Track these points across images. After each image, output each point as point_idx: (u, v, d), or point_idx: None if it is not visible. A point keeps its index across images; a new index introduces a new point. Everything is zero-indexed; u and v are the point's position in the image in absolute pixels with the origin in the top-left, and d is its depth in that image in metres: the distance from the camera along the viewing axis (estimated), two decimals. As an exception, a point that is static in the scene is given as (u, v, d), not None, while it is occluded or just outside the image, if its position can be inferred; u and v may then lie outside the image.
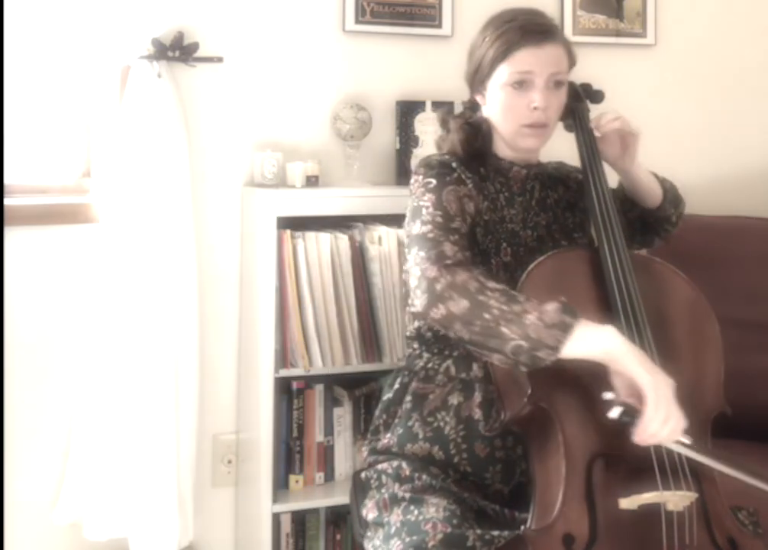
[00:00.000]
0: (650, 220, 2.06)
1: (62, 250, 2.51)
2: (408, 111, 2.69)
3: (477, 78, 1.94)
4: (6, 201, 2.43)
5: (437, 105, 2.66)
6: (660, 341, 1.75)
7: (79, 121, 2.58)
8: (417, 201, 1.86)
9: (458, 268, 1.70)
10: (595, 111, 2.09)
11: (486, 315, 1.62)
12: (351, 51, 2.72)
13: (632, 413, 1.61)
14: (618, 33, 2.98)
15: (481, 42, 1.93)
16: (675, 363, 1.73)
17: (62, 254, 2.51)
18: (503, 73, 1.88)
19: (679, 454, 1.64)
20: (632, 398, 1.62)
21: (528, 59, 1.86)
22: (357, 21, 2.70)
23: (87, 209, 2.51)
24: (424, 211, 1.83)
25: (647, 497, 1.60)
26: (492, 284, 1.66)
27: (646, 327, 1.73)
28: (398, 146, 2.71)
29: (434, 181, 1.87)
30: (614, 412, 1.62)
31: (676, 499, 1.61)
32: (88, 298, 2.47)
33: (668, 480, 1.62)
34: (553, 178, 2.03)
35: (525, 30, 1.87)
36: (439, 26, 2.77)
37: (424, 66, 2.76)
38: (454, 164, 1.91)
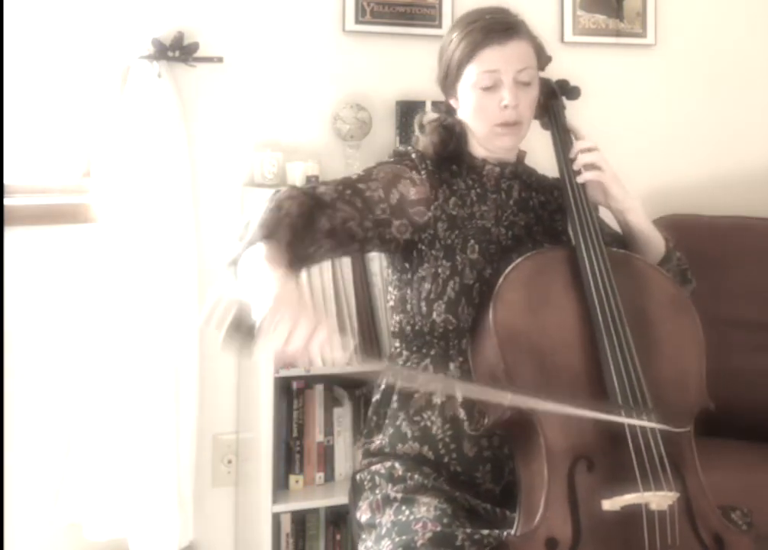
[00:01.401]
0: None
1: (62, 250, 2.51)
2: (408, 111, 2.69)
3: (447, 81, 1.93)
4: (6, 201, 2.43)
5: (436, 105, 2.66)
6: (641, 338, 1.73)
7: (79, 121, 2.58)
8: None
9: (301, 191, 1.78)
10: (570, 107, 2.06)
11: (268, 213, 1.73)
12: (351, 51, 2.72)
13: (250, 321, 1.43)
14: (618, 33, 2.98)
15: (448, 44, 1.92)
16: (656, 359, 1.72)
17: (62, 254, 2.51)
18: (471, 74, 1.86)
19: (659, 452, 1.63)
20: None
21: (493, 57, 1.84)
22: (357, 21, 2.70)
23: (87, 209, 2.51)
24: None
25: (629, 498, 1.59)
26: (286, 198, 1.74)
27: (625, 325, 1.72)
28: (398, 146, 2.71)
29: (385, 160, 1.93)
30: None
31: (657, 500, 1.60)
32: (88, 298, 2.47)
33: (648, 481, 1.61)
34: (540, 183, 2.01)
35: (488, 29, 1.85)
36: (439, 26, 2.76)
37: (424, 66, 2.73)
38: (413, 155, 1.92)
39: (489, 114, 1.86)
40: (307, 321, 1.44)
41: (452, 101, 1.95)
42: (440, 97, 2.63)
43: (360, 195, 1.81)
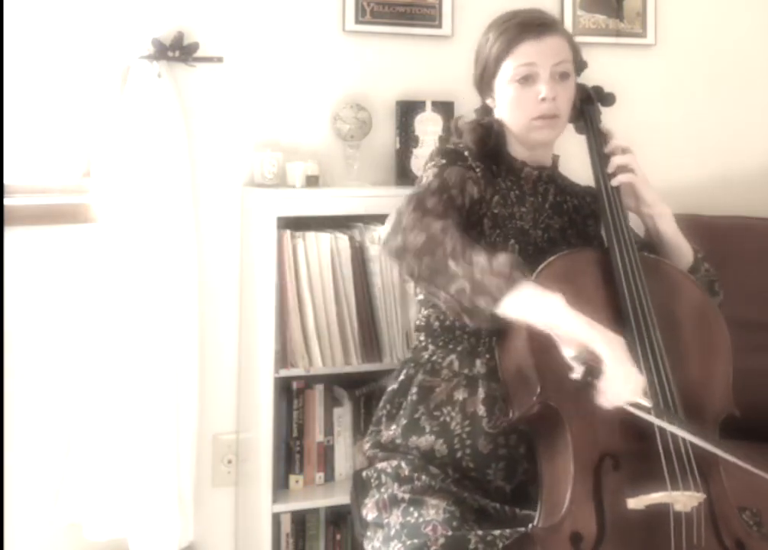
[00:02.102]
0: None
1: (62, 250, 2.51)
2: (408, 111, 2.69)
3: (485, 79, 1.96)
4: (6, 201, 2.43)
5: (436, 105, 2.67)
6: (669, 342, 1.75)
7: (80, 121, 2.58)
8: (421, 175, 1.90)
9: (429, 214, 1.71)
10: (606, 113, 2.09)
11: (438, 251, 1.64)
12: (351, 51, 2.72)
13: (595, 373, 1.59)
14: (618, 33, 2.98)
15: (484, 43, 1.96)
16: (683, 364, 1.74)
17: (62, 254, 2.51)
18: (508, 69, 1.90)
19: (687, 453, 1.64)
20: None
21: (529, 51, 1.88)
22: (357, 21, 2.70)
23: (87, 209, 2.51)
24: (424, 179, 1.86)
25: (655, 497, 1.60)
26: (453, 231, 1.67)
27: (656, 328, 1.73)
28: (398, 146, 2.71)
29: (443, 161, 1.90)
30: (577, 372, 1.60)
31: (684, 500, 1.61)
32: (88, 298, 2.47)
33: (677, 480, 1.62)
34: (573, 188, 2.05)
35: (524, 24, 1.91)
36: (439, 26, 2.76)
37: (424, 66, 2.76)
38: (466, 153, 1.93)
39: (527, 108, 1.89)
40: (636, 374, 1.59)
41: (488, 101, 1.99)
42: (441, 97, 2.66)
43: (453, 201, 1.81)
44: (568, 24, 2.90)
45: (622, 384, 1.58)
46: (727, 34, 3.10)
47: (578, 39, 2.90)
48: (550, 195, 1.99)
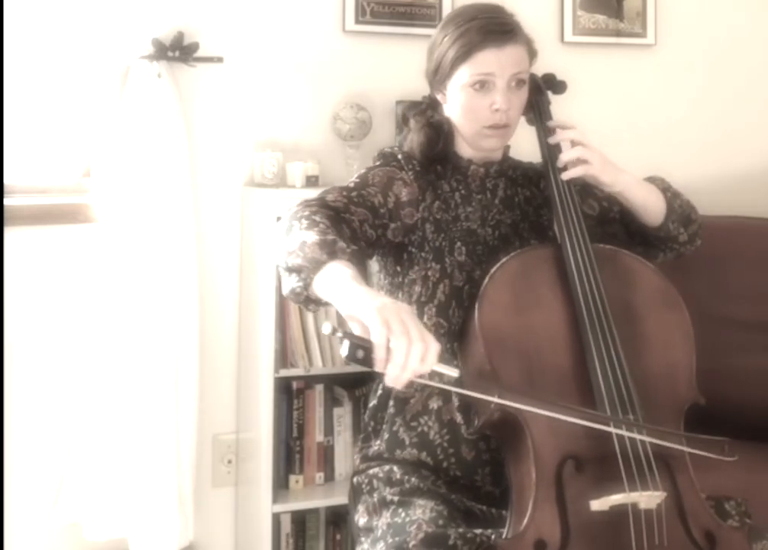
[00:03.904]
0: (650, 237, 1.94)
1: (62, 250, 2.51)
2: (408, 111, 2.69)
3: (437, 77, 1.89)
4: (6, 201, 2.43)
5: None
6: (627, 334, 1.72)
7: (79, 121, 2.58)
8: None
9: (318, 204, 1.71)
10: (570, 107, 2.06)
11: (285, 228, 1.65)
12: (351, 51, 2.72)
13: (365, 346, 1.41)
14: (618, 34, 2.98)
15: (441, 40, 1.87)
16: (644, 355, 1.71)
17: (62, 254, 2.51)
18: (464, 74, 1.83)
19: (646, 452, 1.62)
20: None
21: (489, 60, 1.81)
22: (357, 21, 2.70)
23: (87, 209, 2.51)
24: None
25: (616, 498, 1.59)
26: (316, 217, 1.65)
27: (611, 323, 1.70)
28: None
29: (377, 163, 1.90)
30: (344, 349, 1.42)
31: (645, 499, 1.60)
32: (88, 298, 2.47)
33: (634, 481, 1.60)
34: (526, 176, 1.99)
35: (486, 30, 1.81)
36: (439, 26, 2.77)
37: (424, 66, 2.76)
38: (400, 156, 1.90)
39: (479, 116, 1.84)
40: (418, 343, 1.41)
41: (439, 96, 1.92)
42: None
43: (365, 199, 1.79)
44: (568, 24, 2.90)
45: (403, 355, 1.40)
46: (727, 34, 3.10)
47: (578, 39, 2.94)
48: (500, 190, 1.93)
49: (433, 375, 1.46)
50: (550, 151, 1.89)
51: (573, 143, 1.85)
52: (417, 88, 2.71)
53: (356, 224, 1.74)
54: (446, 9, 2.76)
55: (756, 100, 3.15)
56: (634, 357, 1.68)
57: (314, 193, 2.45)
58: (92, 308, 2.46)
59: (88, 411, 2.47)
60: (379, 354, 1.40)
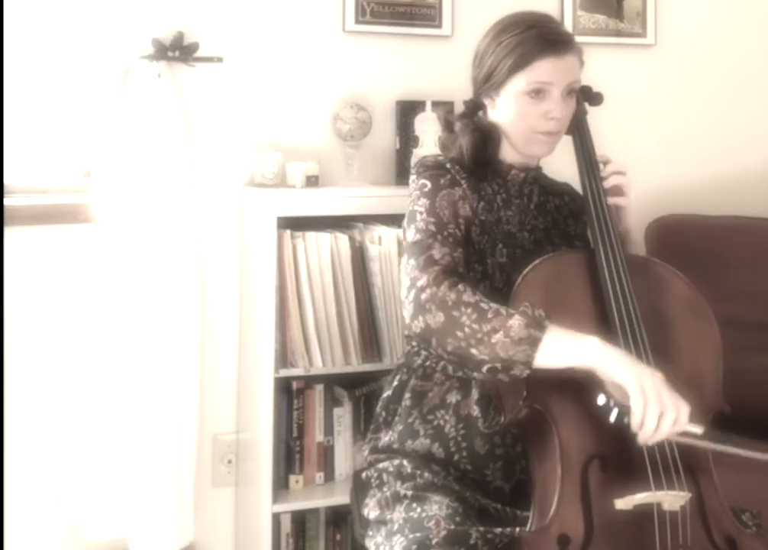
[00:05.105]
0: None
1: (62, 250, 2.51)
2: (408, 111, 2.69)
3: (489, 84, 1.91)
4: (6, 201, 2.43)
5: (436, 105, 2.67)
6: (657, 341, 1.74)
7: (80, 121, 2.58)
8: (412, 205, 1.88)
9: (443, 275, 1.71)
10: (604, 113, 2.09)
11: (459, 334, 1.64)
12: (351, 51, 2.72)
13: (626, 412, 1.59)
14: (618, 34, 2.98)
15: (495, 47, 1.90)
16: (672, 363, 1.73)
17: (62, 254, 2.51)
18: (520, 82, 1.86)
19: (672, 453, 1.64)
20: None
21: (548, 69, 1.85)
22: (357, 21, 2.70)
23: (87, 209, 2.51)
24: (418, 216, 1.84)
25: (641, 498, 1.60)
26: (467, 297, 1.67)
27: (642, 328, 1.73)
28: (397, 146, 2.71)
29: (428, 184, 1.88)
30: (612, 416, 1.61)
31: (670, 499, 1.61)
32: (88, 298, 2.47)
33: (660, 480, 1.62)
34: (553, 187, 2.05)
35: (546, 39, 1.86)
36: (439, 26, 2.77)
37: (424, 66, 2.76)
38: (448, 165, 1.92)
39: (533, 122, 1.89)
40: (671, 411, 1.58)
41: (486, 101, 1.95)
42: (441, 97, 2.66)
43: (454, 238, 1.82)
44: (568, 24, 2.90)
45: (655, 421, 1.57)
46: (727, 34, 3.10)
47: (578, 39, 2.92)
48: (535, 195, 1.98)
49: (681, 433, 1.62)
50: (587, 160, 1.94)
51: (620, 173, 1.94)
52: (418, 88, 2.73)
53: (464, 265, 1.80)
54: (447, 9, 2.76)
55: (756, 100, 3.15)
56: (662, 363, 1.70)
57: (314, 193, 2.50)
58: (92, 309, 2.46)
59: (88, 411, 2.47)
60: (635, 420, 1.58)
